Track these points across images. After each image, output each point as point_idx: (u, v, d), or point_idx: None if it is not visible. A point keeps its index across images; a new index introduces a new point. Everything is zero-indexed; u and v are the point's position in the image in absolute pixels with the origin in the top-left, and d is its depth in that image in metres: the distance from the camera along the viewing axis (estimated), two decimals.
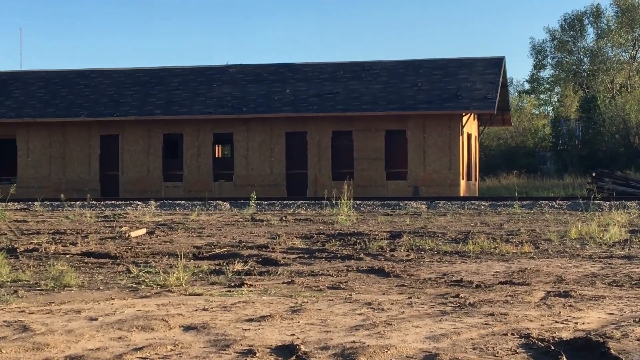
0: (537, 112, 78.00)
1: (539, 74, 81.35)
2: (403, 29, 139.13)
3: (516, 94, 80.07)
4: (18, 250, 14.34)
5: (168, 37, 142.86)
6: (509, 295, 9.27)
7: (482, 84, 40.01)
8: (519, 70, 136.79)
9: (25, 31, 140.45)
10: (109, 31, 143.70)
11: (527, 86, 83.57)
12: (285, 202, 31.53)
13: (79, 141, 41.74)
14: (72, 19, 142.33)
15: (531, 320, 7.75)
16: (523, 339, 6.91)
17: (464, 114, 39.31)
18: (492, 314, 8.05)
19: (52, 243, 15.74)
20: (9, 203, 30.59)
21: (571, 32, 75.79)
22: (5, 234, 18.49)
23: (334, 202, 27.80)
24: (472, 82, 40.17)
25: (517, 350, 6.55)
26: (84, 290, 10.03)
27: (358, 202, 29.64)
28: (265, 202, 30.97)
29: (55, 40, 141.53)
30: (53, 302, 9.10)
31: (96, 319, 7.97)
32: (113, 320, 7.87)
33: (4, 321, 7.94)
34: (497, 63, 41.51)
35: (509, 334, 7.12)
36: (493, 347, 6.64)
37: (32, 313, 8.39)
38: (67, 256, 13.68)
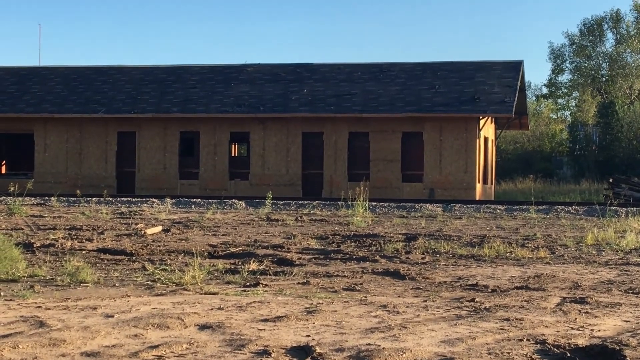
0: (554, 116, 77.71)
1: (557, 78, 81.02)
2: (421, 31, 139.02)
3: (534, 98, 79.79)
4: (34, 245, 14.42)
5: (186, 35, 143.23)
6: (525, 301, 9.25)
7: (500, 87, 39.88)
8: (537, 75, 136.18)
9: (44, 27, 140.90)
10: (128, 28, 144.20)
11: (545, 90, 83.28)
12: (300, 202, 31.53)
13: (96, 137, 41.86)
14: (91, 15, 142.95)
15: (547, 326, 7.73)
16: (538, 345, 6.90)
17: (481, 117, 39.20)
18: (507, 319, 8.03)
19: (68, 239, 15.81)
20: (25, 198, 30.73)
21: (590, 37, 75.45)
22: (22, 229, 18.57)
23: (349, 203, 27.80)
24: (489, 86, 40.05)
25: (533, 356, 6.53)
26: (99, 287, 10.07)
27: (373, 203, 29.62)
28: (281, 202, 30.98)
29: (74, 36, 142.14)
30: (69, 298, 9.14)
31: (112, 316, 8.00)
32: (129, 318, 7.89)
33: (21, 316, 7.97)
34: (516, 67, 41.38)
35: (524, 340, 7.10)
36: (508, 353, 6.63)
37: (49, 309, 8.43)
38: (83, 252, 13.74)
